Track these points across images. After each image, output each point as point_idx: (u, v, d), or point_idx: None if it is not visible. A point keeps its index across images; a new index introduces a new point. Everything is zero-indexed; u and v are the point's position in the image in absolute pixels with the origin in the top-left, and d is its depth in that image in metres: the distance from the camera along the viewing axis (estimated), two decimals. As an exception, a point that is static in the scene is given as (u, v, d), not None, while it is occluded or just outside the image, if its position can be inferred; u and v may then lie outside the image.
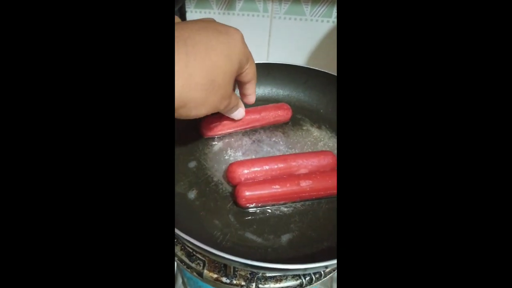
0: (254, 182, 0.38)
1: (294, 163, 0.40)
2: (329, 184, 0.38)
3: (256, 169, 0.39)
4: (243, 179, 0.39)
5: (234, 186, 0.39)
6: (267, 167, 0.39)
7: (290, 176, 0.39)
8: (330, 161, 0.41)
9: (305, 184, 0.37)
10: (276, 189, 0.37)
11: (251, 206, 0.37)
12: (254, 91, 0.44)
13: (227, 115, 0.44)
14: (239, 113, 0.45)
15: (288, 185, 0.37)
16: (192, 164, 0.43)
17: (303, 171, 0.40)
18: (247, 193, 0.36)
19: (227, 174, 0.40)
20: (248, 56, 0.37)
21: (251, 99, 0.44)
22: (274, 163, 0.40)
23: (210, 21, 0.35)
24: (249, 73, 0.39)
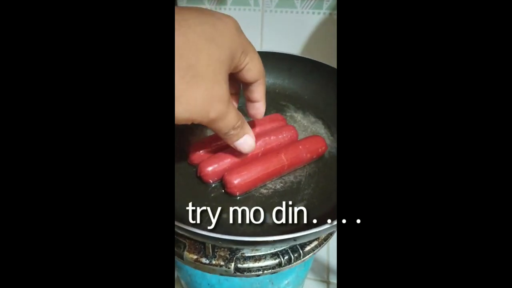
0: (241, 168, 0.37)
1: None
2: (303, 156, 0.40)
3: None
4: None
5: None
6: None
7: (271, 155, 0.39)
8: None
9: (284, 158, 0.38)
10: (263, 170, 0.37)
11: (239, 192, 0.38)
12: (262, 97, 0.34)
13: (229, 143, 0.34)
14: (246, 142, 0.34)
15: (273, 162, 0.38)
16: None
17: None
18: (237, 181, 0.36)
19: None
20: (246, 47, 0.31)
21: (260, 110, 0.35)
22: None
23: (204, 8, 0.30)
24: (252, 70, 0.32)
